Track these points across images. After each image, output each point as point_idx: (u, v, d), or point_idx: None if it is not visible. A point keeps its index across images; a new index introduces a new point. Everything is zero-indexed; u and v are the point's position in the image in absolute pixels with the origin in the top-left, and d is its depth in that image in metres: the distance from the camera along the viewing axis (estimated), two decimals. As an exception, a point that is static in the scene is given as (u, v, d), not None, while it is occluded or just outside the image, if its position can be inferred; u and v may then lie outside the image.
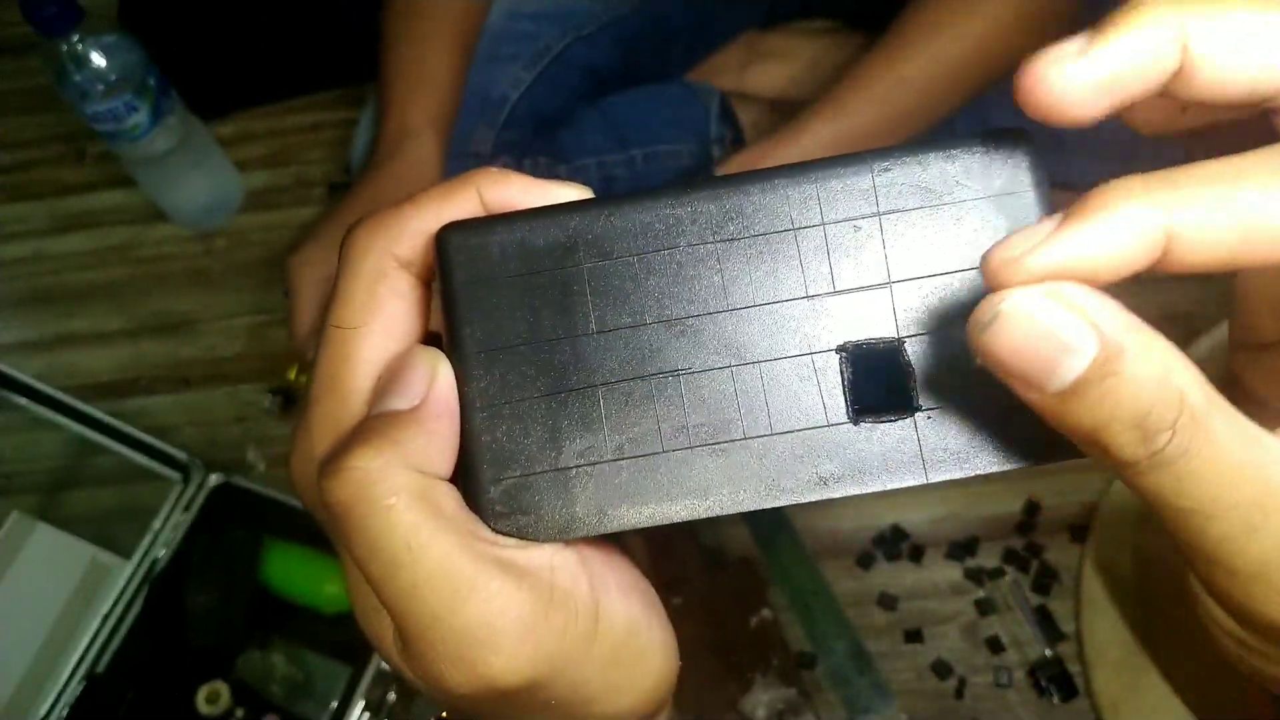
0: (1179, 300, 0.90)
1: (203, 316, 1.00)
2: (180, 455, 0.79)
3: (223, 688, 0.71)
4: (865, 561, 0.79)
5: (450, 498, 0.23)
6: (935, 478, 0.23)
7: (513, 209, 0.24)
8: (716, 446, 0.23)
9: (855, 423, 0.23)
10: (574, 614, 0.23)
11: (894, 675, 0.75)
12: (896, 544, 0.79)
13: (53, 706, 0.71)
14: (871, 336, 0.23)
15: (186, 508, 0.79)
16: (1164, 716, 0.71)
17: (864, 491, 0.23)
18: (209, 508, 0.79)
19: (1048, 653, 0.74)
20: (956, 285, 0.22)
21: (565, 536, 0.23)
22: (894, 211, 0.22)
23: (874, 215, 0.22)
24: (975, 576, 0.78)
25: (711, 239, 0.23)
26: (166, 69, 0.95)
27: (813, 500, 0.23)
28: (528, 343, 0.23)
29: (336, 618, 0.74)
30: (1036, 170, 0.22)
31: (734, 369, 0.23)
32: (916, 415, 0.22)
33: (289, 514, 0.78)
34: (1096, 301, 0.18)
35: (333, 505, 0.22)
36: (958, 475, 0.22)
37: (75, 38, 0.86)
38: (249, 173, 1.10)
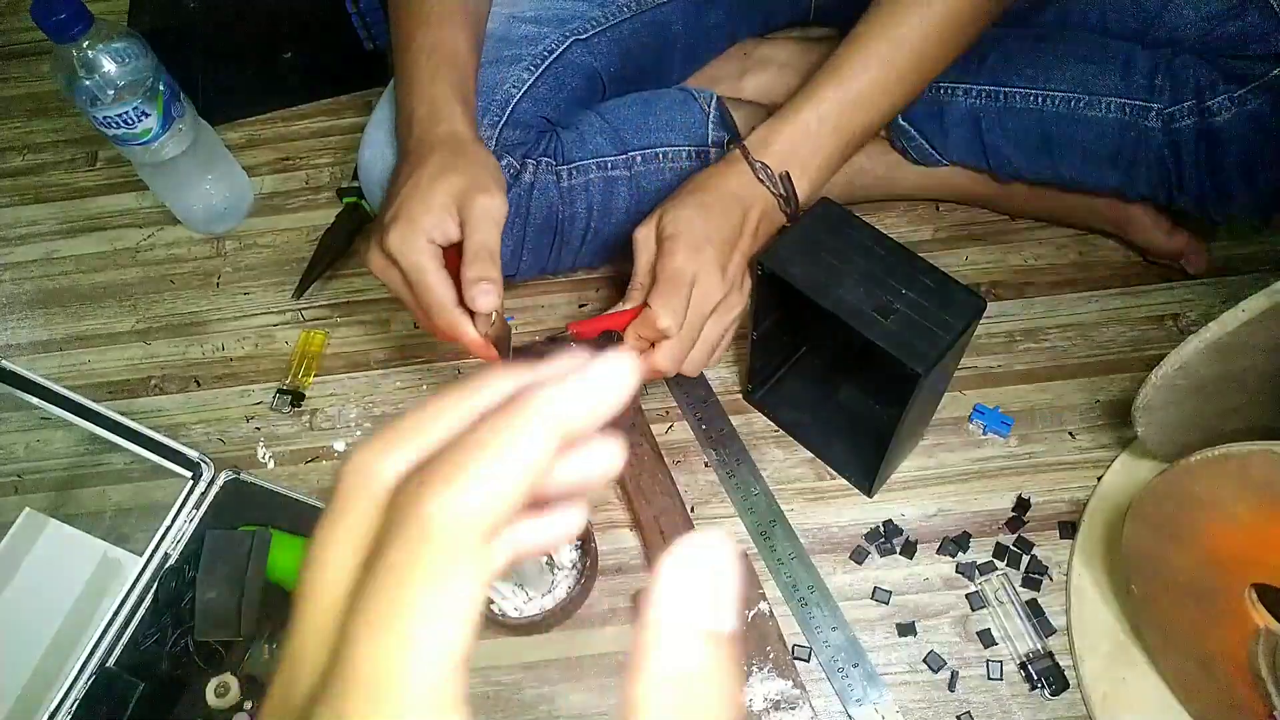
0: (1167, 301, 0.91)
1: (212, 317, 1.01)
2: (191, 453, 0.81)
3: (231, 680, 0.73)
4: (859, 556, 0.81)
5: None
6: None
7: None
8: None
9: None
10: None
11: (887, 668, 0.76)
12: (890, 539, 0.81)
13: (64, 698, 0.72)
14: None
15: (197, 504, 0.80)
16: (1153, 708, 0.72)
17: None
18: (219, 504, 0.80)
19: (1038, 646, 0.75)
20: None
21: None
22: None
23: None
24: (967, 571, 0.79)
25: None
26: (176, 74, 0.96)
27: None
28: None
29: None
30: None
31: None
32: None
33: (298, 510, 0.80)
34: None
35: None
36: None
37: (85, 43, 0.87)
38: (256, 177, 1.11)
